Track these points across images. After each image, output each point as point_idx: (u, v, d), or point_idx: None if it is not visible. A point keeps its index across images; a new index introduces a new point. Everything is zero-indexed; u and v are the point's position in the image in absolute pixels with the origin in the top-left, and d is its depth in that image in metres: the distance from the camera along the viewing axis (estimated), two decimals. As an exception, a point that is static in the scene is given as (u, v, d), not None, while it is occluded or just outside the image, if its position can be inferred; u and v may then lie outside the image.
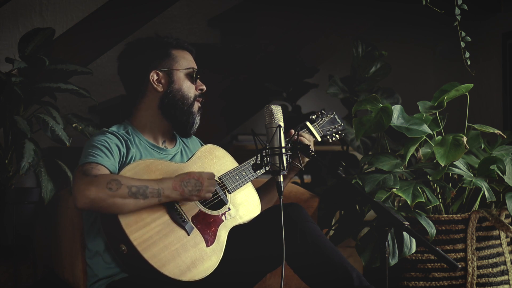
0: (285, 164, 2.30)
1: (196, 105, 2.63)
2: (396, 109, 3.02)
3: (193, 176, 2.41)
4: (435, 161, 2.96)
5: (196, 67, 2.66)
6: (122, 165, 2.48)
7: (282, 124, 2.33)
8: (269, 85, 3.80)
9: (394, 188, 2.87)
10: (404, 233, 2.81)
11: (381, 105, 2.98)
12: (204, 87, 2.65)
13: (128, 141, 2.54)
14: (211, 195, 2.45)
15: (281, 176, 2.30)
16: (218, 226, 2.48)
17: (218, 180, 2.58)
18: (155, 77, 2.59)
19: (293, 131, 2.69)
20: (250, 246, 2.48)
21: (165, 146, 2.65)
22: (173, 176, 2.42)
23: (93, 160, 2.40)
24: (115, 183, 2.31)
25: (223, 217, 2.51)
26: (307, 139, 2.71)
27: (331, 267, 2.43)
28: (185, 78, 2.62)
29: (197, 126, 2.65)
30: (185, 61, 2.63)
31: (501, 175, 2.95)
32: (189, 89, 2.62)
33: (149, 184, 2.35)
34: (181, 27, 4.35)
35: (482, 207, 3.07)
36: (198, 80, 2.65)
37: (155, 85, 2.59)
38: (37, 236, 3.11)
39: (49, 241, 3.07)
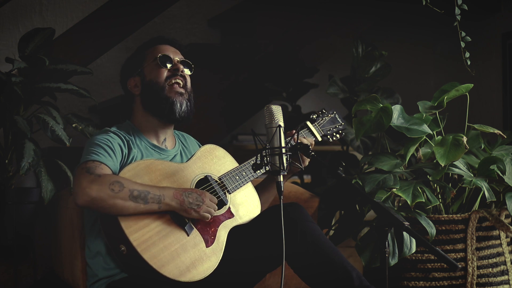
0: (285, 164, 2.30)
1: (170, 89, 2.59)
2: (396, 109, 3.02)
3: (195, 191, 2.42)
4: (435, 161, 2.96)
5: (168, 53, 2.63)
6: (123, 165, 2.48)
7: (282, 124, 2.33)
8: (269, 85, 3.80)
9: (394, 188, 2.87)
10: (404, 233, 2.82)
11: (381, 105, 2.98)
12: (179, 66, 2.62)
13: (130, 141, 2.55)
14: (209, 217, 2.44)
15: (281, 176, 2.30)
16: (218, 227, 2.48)
17: (218, 180, 2.58)
18: (132, 84, 2.65)
19: (294, 131, 2.69)
20: (250, 246, 2.48)
21: (165, 146, 2.65)
22: (175, 186, 2.43)
23: (96, 158, 2.40)
24: (118, 185, 2.31)
25: (223, 218, 2.51)
26: (308, 140, 2.72)
27: (331, 267, 2.43)
28: (154, 68, 2.62)
29: (183, 110, 2.60)
30: (155, 52, 2.64)
31: (501, 175, 2.95)
32: (158, 76, 2.61)
33: (151, 190, 2.36)
34: (181, 27, 4.35)
35: (482, 207, 3.07)
36: (174, 63, 2.63)
37: (133, 91, 2.65)
38: (37, 236, 3.11)
39: (49, 241, 3.07)
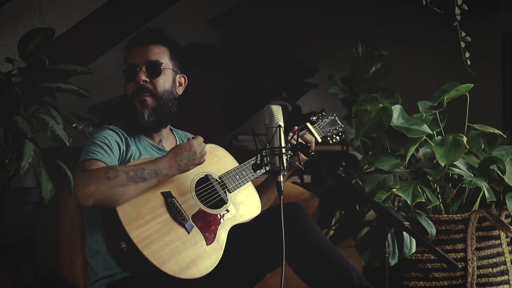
0: (285, 164, 2.30)
1: (136, 102, 2.54)
2: (396, 109, 3.02)
3: (185, 149, 2.43)
4: (435, 161, 2.96)
5: (133, 60, 2.56)
6: (122, 162, 2.49)
7: (282, 124, 2.33)
8: (269, 85, 3.80)
9: (394, 188, 2.87)
10: (404, 233, 2.82)
11: (381, 105, 2.98)
12: (139, 77, 2.53)
13: (128, 139, 2.55)
14: (205, 158, 2.47)
15: (281, 176, 2.30)
16: (218, 225, 2.48)
17: (218, 179, 2.58)
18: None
19: (296, 127, 2.69)
20: (250, 246, 2.48)
21: (162, 146, 2.64)
22: (165, 155, 2.43)
23: (93, 156, 2.40)
24: (112, 171, 2.31)
25: (223, 216, 2.52)
26: (308, 139, 2.72)
27: (331, 267, 2.43)
28: (125, 81, 2.59)
29: (147, 120, 2.53)
30: (127, 61, 2.60)
31: (501, 175, 2.95)
32: (127, 90, 2.58)
33: (145, 166, 2.36)
34: (181, 27, 4.35)
35: (482, 207, 3.07)
36: (138, 73, 2.54)
37: None
38: (37, 236, 3.11)
39: (49, 241, 3.07)
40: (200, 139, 2.48)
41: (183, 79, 2.67)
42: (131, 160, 2.49)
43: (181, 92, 2.67)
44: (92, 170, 2.34)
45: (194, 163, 2.44)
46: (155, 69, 2.57)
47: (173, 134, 2.73)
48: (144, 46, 2.58)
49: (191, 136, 2.80)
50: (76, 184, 2.32)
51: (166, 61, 2.59)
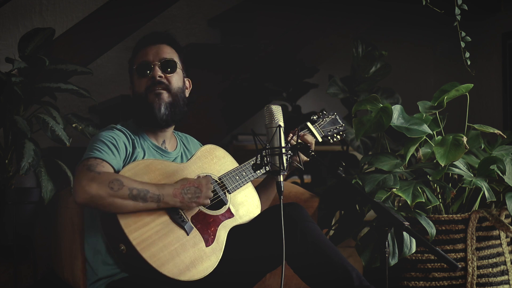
0: (285, 164, 2.30)
1: (151, 96, 2.54)
2: (396, 109, 3.02)
3: (193, 184, 2.42)
4: (435, 161, 2.96)
5: (147, 58, 2.58)
6: (126, 164, 2.48)
7: (282, 124, 2.33)
8: (269, 85, 3.80)
9: (394, 188, 2.87)
10: (404, 233, 2.82)
11: (381, 105, 2.98)
12: (155, 73, 2.55)
13: (134, 140, 2.55)
14: (209, 201, 2.45)
15: (281, 176, 2.30)
16: (218, 226, 2.48)
17: (218, 180, 2.58)
18: (131, 92, 2.64)
19: (297, 128, 2.69)
20: (250, 246, 2.48)
21: (165, 148, 2.64)
22: (173, 183, 2.43)
23: (99, 155, 2.40)
24: (117, 183, 2.31)
25: (222, 217, 2.51)
26: (308, 140, 2.72)
27: (331, 267, 2.43)
28: (136, 78, 2.60)
29: (162, 113, 2.54)
30: (136, 61, 2.61)
31: (501, 175, 2.95)
32: (140, 86, 2.58)
33: (150, 189, 2.36)
34: (181, 27, 4.36)
35: (482, 207, 3.07)
36: (151, 68, 2.56)
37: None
38: (37, 236, 3.11)
39: (49, 241, 3.07)
40: (209, 178, 2.46)
41: (188, 83, 2.70)
42: (132, 162, 2.48)
43: (187, 95, 2.68)
44: (98, 172, 2.33)
45: (198, 201, 2.42)
46: (170, 66, 2.60)
47: (175, 136, 2.73)
48: (156, 45, 2.61)
49: (191, 138, 2.80)
50: (78, 180, 2.32)
51: (177, 61, 2.62)
